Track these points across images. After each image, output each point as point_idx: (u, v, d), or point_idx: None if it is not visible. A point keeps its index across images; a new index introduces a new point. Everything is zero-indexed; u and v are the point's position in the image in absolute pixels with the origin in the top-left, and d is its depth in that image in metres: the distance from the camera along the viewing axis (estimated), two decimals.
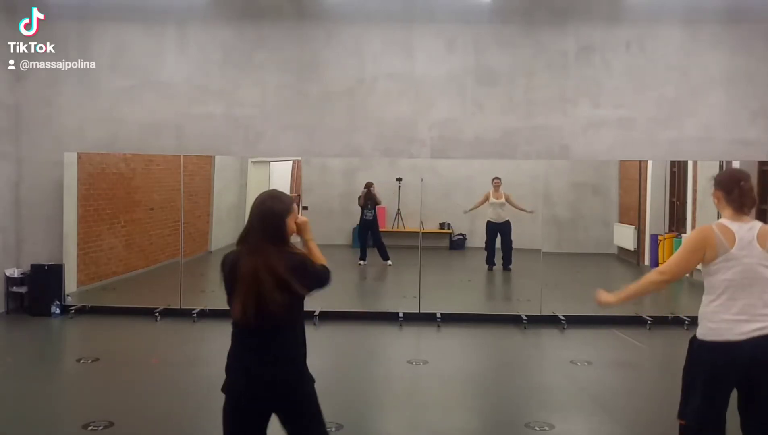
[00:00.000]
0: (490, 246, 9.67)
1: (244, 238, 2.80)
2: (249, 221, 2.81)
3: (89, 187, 8.46)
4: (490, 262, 9.74)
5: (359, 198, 9.65)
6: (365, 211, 9.66)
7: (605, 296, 3.31)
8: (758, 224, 3.12)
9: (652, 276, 3.23)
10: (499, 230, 9.52)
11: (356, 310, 8.11)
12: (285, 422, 2.84)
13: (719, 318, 3.06)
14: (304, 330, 2.90)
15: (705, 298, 3.16)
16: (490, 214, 9.51)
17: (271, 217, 2.79)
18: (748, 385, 3.10)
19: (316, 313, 7.71)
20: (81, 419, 4.62)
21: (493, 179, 9.33)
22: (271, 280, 2.68)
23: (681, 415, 3.24)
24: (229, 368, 2.85)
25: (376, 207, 9.70)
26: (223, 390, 2.85)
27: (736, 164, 8.41)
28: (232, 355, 2.85)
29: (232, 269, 2.77)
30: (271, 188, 3.06)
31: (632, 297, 3.26)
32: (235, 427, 2.82)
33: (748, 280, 3.04)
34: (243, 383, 2.79)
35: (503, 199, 9.38)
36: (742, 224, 3.10)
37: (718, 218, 3.26)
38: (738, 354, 3.02)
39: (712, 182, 3.30)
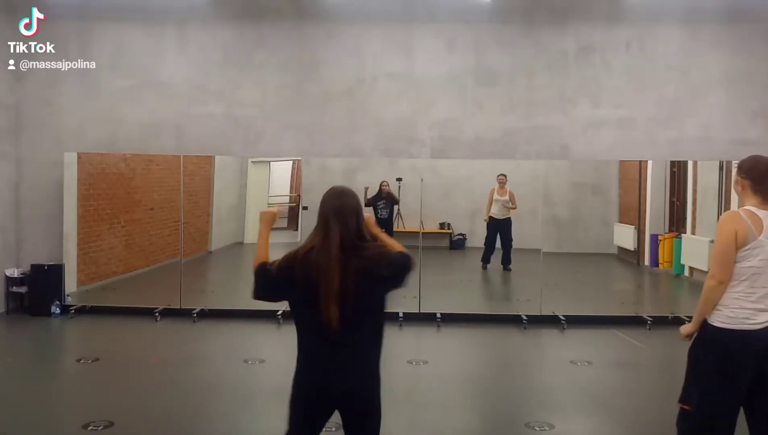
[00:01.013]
0: (489, 242, 9.59)
1: (324, 237, 2.61)
2: (325, 218, 2.63)
3: (89, 187, 8.46)
4: (486, 259, 9.65)
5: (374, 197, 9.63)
6: (383, 211, 9.60)
7: (686, 328, 3.24)
8: None
9: (708, 284, 3.09)
10: (500, 227, 9.46)
11: None
12: (347, 424, 2.77)
13: (738, 305, 3.01)
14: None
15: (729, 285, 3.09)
16: (493, 209, 9.48)
17: (350, 212, 2.64)
18: (758, 377, 3.04)
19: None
20: (81, 419, 4.62)
21: (498, 176, 9.30)
22: (365, 279, 2.56)
23: (684, 400, 3.19)
24: (306, 376, 2.74)
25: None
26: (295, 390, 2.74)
27: (735, 164, 8.41)
28: (312, 362, 2.72)
29: (308, 272, 2.60)
30: (339, 185, 2.79)
31: (704, 314, 3.11)
32: (304, 417, 2.77)
33: None
34: (318, 392, 2.71)
35: (507, 197, 9.35)
36: None
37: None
38: (752, 343, 2.98)
39: (737, 169, 3.20)
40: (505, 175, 9.29)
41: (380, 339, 2.74)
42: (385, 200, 9.56)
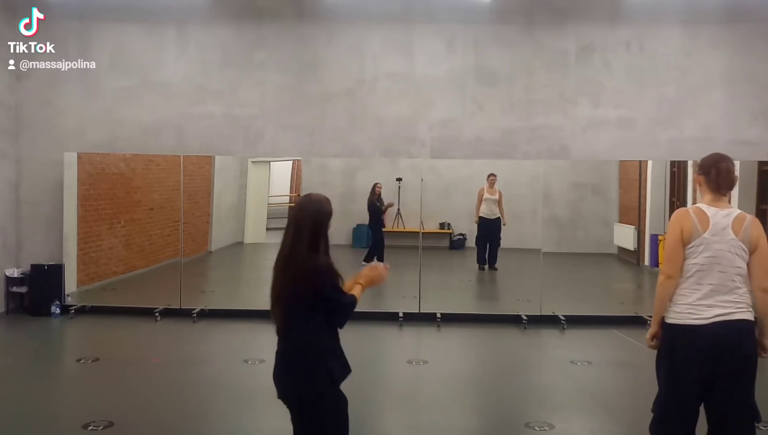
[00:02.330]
0: (481, 242, 9.60)
1: (281, 242, 2.88)
2: (286, 224, 2.88)
3: (89, 187, 8.47)
4: (481, 260, 9.65)
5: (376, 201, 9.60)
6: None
7: (649, 334, 3.22)
8: (736, 211, 3.06)
9: (658, 280, 3.14)
10: (489, 227, 9.44)
11: (356, 310, 8.10)
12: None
13: (684, 301, 3.04)
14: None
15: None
16: (483, 209, 9.48)
17: (306, 219, 2.88)
18: (709, 372, 2.99)
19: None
20: (81, 419, 4.62)
21: (488, 175, 9.30)
22: (292, 288, 2.84)
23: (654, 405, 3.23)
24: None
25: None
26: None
27: (736, 164, 8.40)
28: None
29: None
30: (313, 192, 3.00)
31: (660, 312, 3.15)
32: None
33: (717, 266, 3.00)
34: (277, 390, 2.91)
35: (497, 196, 9.36)
36: (719, 210, 3.04)
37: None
38: (699, 339, 2.97)
39: (696, 168, 3.24)
40: (495, 175, 9.29)
41: (314, 342, 2.82)
42: (378, 201, 9.57)
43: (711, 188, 3.09)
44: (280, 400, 2.90)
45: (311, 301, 2.78)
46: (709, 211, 3.04)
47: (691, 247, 3.02)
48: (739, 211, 3.08)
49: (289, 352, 2.83)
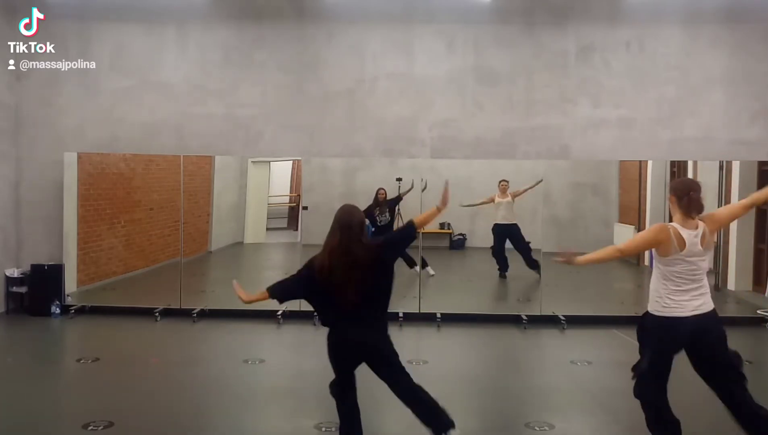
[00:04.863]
0: (498, 251, 9.30)
1: (338, 240, 3.86)
2: (333, 228, 3.93)
3: (89, 187, 8.47)
4: (503, 267, 9.33)
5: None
6: (381, 217, 9.40)
7: (578, 259, 3.93)
8: (701, 227, 3.79)
9: (611, 250, 3.91)
10: (507, 233, 9.18)
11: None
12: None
13: (671, 299, 3.77)
14: None
15: (659, 281, 3.82)
16: (497, 216, 9.31)
17: (355, 224, 3.89)
18: (694, 351, 3.83)
19: (315, 314, 7.70)
20: (81, 419, 4.62)
21: (500, 182, 9.16)
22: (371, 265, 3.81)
23: (633, 368, 4.01)
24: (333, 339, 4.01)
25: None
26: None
27: (736, 164, 8.42)
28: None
29: (329, 267, 3.80)
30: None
31: (592, 262, 3.94)
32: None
33: (693, 273, 3.78)
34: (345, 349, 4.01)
35: (510, 199, 9.17)
36: (691, 231, 3.76)
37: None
38: (682, 328, 3.75)
39: (669, 188, 4.01)
40: (507, 181, 9.15)
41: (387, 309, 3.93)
42: (379, 208, 9.42)
43: (682, 211, 3.81)
44: (343, 363, 3.94)
45: (380, 271, 3.77)
46: (684, 232, 3.75)
47: (671, 259, 3.76)
48: (704, 225, 3.79)
49: (372, 318, 3.82)
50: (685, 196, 3.80)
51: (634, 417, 4.99)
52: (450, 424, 3.80)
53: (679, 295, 3.77)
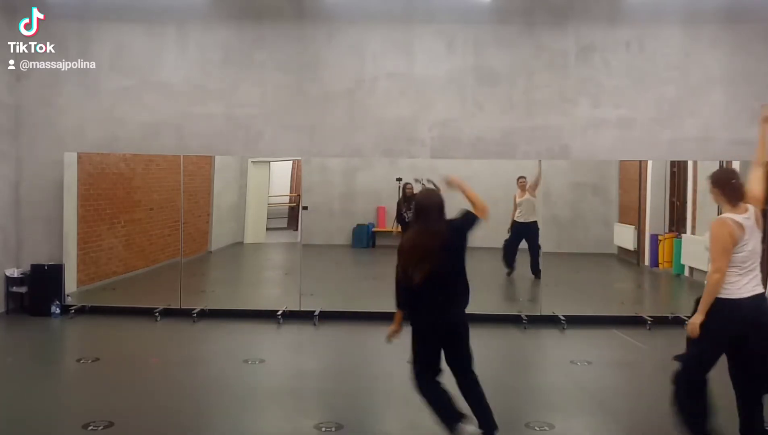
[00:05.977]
0: (509, 247, 9.11)
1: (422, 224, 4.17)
2: (416, 213, 4.17)
3: (89, 187, 8.46)
4: (510, 265, 9.17)
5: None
6: (408, 212, 9.30)
7: (698, 321, 3.83)
8: (752, 210, 3.88)
9: (713, 278, 3.81)
10: (525, 231, 8.94)
11: (356, 310, 8.11)
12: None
13: (732, 284, 3.81)
14: None
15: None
16: (517, 213, 9.11)
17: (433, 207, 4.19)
18: (751, 332, 3.82)
19: (316, 313, 7.72)
20: (81, 419, 4.62)
21: (518, 179, 8.97)
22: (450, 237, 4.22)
23: (677, 357, 3.98)
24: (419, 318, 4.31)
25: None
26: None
27: (735, 164, 8.41)
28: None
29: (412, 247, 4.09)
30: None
31: (708, 304, 3.82)
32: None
33: (754, 255, 3.87)
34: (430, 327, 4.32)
35: (528, 196, 8.93)
36: (744, 215, 3.84)
37: (718, 213, 3.92)
38: (742, 310, 3.80)
39: (709, 180, 4.04)
40: (525, 178, 8.92)
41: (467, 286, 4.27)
42: (407, 203, 9.29)
43: (728, 200, 3.91)
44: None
45: (461, 249, 4.18)
46: (739, 218, 3.83)
47: (738, 247, 3.82)
48: (752, 207, 3.89)
49: (454, 296, 4.11)
50: (728, 185, 3.91)
51: (635, 417, 5.00)
52: (494, 426, 4.12)
53: (740, 278, 3.82)
